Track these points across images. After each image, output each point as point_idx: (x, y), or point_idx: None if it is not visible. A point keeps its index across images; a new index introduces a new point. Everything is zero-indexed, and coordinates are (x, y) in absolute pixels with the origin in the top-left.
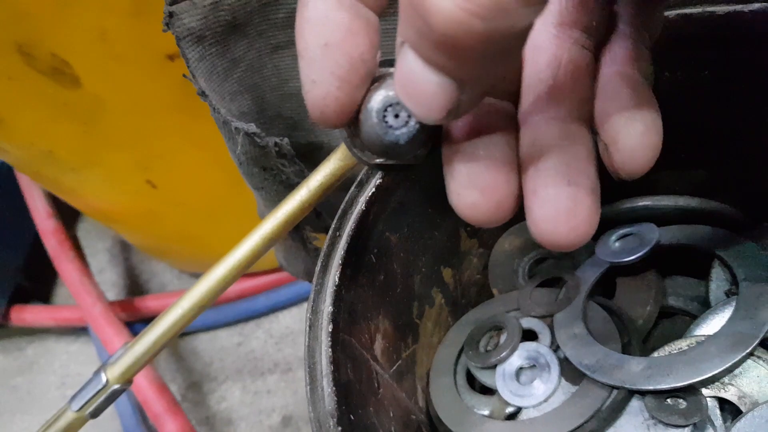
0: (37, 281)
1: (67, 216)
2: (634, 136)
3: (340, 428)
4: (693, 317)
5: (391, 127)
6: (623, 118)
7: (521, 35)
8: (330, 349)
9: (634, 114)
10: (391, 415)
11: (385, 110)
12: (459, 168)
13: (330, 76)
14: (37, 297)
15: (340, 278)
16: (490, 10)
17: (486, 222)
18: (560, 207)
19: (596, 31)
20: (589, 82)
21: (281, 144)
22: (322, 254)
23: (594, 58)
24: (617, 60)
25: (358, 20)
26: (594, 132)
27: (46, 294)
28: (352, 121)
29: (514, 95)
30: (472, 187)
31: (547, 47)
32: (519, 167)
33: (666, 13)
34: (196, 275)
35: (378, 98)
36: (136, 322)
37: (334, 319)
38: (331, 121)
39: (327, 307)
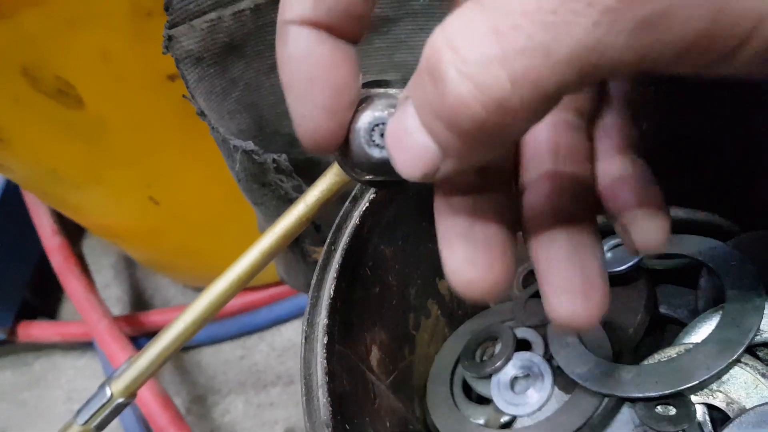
0: (43, 297)
1: (73, 233)
2: (651, 218)
3: None
4: (683, 325)
5: (378, 145)
6: (634, 196)
7: (520, 134)
8: (325, 361)
9: (643, 191)
10: (388, 424)
11: (372, 130)
12: (456, 247)
13: (318, 109)
14: (43, 313)
15: (335, 291)
16: (498, 106)
17: (481, 298)
18: (577, 293)
19: (589, 112)
20: (587, 164)
21: (279, 160)
22: (317, 268)
23: (589, 138)
24: (610, 135)
25: (338, 53)
26: (597, 211)
27: (52, 310)
28: (342, 141)
29: (510, 172)
30: (470, 266)
31: (544, 131)
32: (515, 244)
33: None
34: (200, 289)
35: (365, 119)
36: (140, 337)
37: (330, 331)
38: (324, 149)
39: (322, 320)
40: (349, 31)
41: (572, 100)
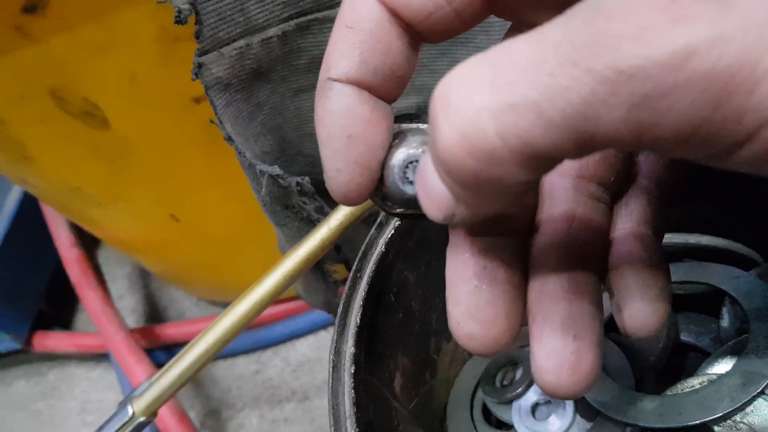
0: (59, 308)
1: (88, 243)
2: (647, 304)
3: None
4: (705, 353)
5: (411, 182)
6: (637, 284)
7: (520, 187)
8: (353, 391)
9: (648, 281)
10: None
11: (406, 167)
12: (461, 298)
13: (353, 165)
14: (58, 323)
15: (361, 319)
16: (486, 157)
17: (481, 352)
18: (564, 361)
19: (614, 186)
20: (602, 238)
21: (302, 183)
22: (344, 295)
23: (609, 210)
24: (633, 217)
25: (377, 112)
26: (604, 285)
27: (67, 320)
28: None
29: (524, 232)
30: (472, 319)
31: (562, 198)
32: (521, 304)
33: None
34: (215, 303)
35: (399, 156)
36: (156, 349)
37: (357, 360)
38: (354, 202)
39: (349, 349)
40: (389, 91)
41: (596, 169)
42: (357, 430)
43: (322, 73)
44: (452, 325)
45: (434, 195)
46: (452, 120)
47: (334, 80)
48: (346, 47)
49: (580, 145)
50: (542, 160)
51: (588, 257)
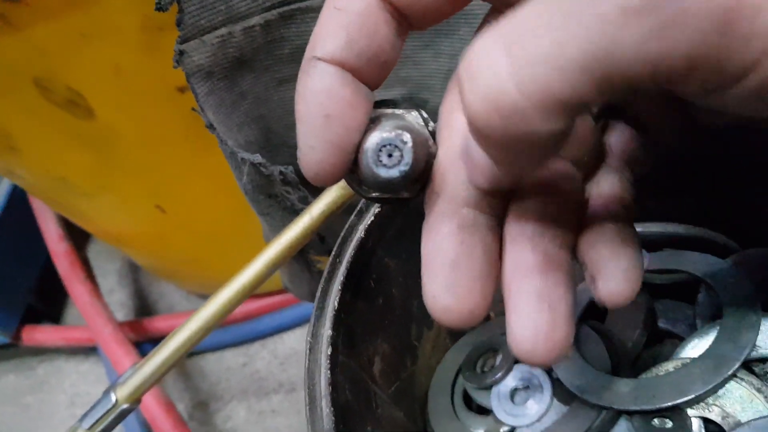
0: (48, 302)
1: (78, 238)
2: (619, 273)
3: None
4: (681, 339)
5: (385, 165)
6: (609, 254)
7: (551, 139)
8: (329, 372)
9: (619, 251)
10: None
11: (380, 150)
12: (438, 273)
13: (327, 144)
14: (47, 317)
15: (339, 303)
16: (511, 114)
17: (456, 325)
18: (539, 330)
19: (585, 165)
20: (575, 214)
21: (286, 172)
22: (322, 280)
23: (581, 188)
24: (603, 194)
25: (357, 96)
26: (576, 258)
27: (56, 315)
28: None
29: (501, 208)
30: (449, 293)
31: (537, 174)
32: (495, 279)
33: None
34: (204, 296)
35: (373, 139)
36: (145, 342)
37: (334, 342)
38: (324, 181)
39: (326, 331)
40: (373, 76)
41: (569, 148)
42: (332, 409)
43: (308, 52)
44: (428, 300)
45: (478, 165)
46: (475, 87)
47: (319, 59)
48: (333, 28)
49: (599, 87)
50: (566, 108)
51: (561, 232)
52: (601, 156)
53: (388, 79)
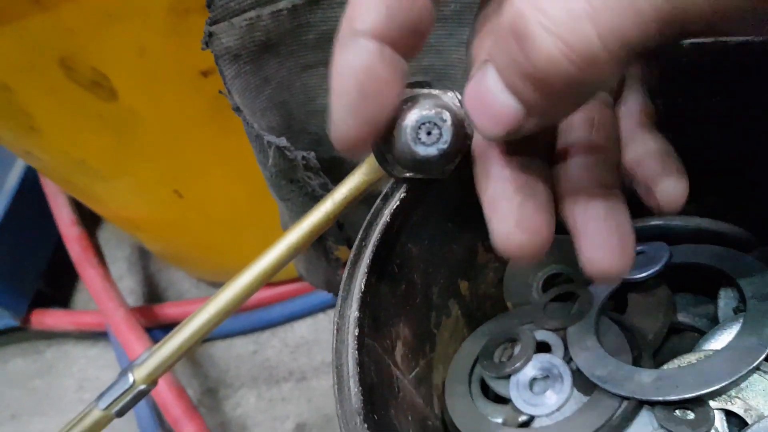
0: (57, 287)
1: (89, 224)
2: (674, 178)
3: (366, 425)
4: (702, 333)
5: (423, 143)
6: (659, 166)
7: (603, 87)
8: (356, 352)
9: (666, 161)
10: (410, 418)
11: (419, 128)
12: (507, 212)
13: (361, 120)
14: (56, 302)
15: (365, 285)
16: (586, 60)
17: (529, 259)
18: (613, 247)
19: (615, 91)
20: (616, 137)
21: (308, 158)
22: (348, 263)
23: (614, 112)
24: (634, 113)
25: (395, 73)
26: (626, 177)
27: (65, 299)
28: (383, 137)
29: (552, 140)
30: (520, 230)
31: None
32: (554, 212)
33: (681, 42)
34: (214, 284)
35: (412, 117)
36: (155, 329)
37: (360, 323)
38: (353, 153)
39: (353, 312)
40: (410, 47)
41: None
42: (360, 388)
43: (345, 23)
44: (499, 240)
45: (499, 112)
46: (551, 28)
47: (359, 34)
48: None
49: (664, 31)
50: (633, 55)
51: (607, 156)
52: (622, 81)
53: (411, 68)
